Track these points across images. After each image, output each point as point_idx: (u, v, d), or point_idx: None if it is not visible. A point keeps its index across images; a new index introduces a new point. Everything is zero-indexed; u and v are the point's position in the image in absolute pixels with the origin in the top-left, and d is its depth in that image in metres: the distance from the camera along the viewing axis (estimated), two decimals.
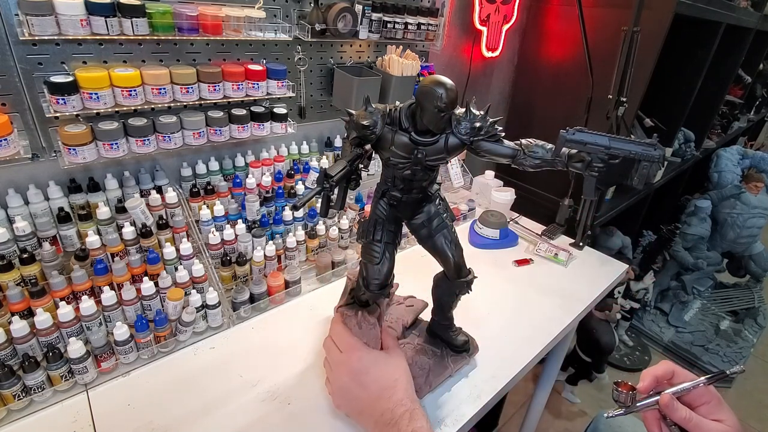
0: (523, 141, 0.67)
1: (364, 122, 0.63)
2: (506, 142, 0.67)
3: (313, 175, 1.25)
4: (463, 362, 0.89)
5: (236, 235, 1.04)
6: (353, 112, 0.65)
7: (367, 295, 0.76)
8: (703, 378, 0.55)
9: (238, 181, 1.16)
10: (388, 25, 1.31)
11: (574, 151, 0.65)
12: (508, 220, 1.45)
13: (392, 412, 0.63)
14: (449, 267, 0.77)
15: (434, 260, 0.79)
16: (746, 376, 2.35)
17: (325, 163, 1.33)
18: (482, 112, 0.65)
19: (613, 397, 0.58)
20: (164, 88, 0.96)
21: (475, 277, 0.80)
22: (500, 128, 0.66)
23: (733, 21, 2.02)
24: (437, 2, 1.50)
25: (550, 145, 0.66)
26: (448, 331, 0.88)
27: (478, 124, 0.64)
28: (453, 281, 0.78)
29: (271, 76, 1.11)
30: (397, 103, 0.66)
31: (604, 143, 0.63)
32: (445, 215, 0.76)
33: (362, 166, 0.69)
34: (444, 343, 0.89)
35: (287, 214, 1.15)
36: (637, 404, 0.57)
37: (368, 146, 0.68)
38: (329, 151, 1.40)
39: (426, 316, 0.95)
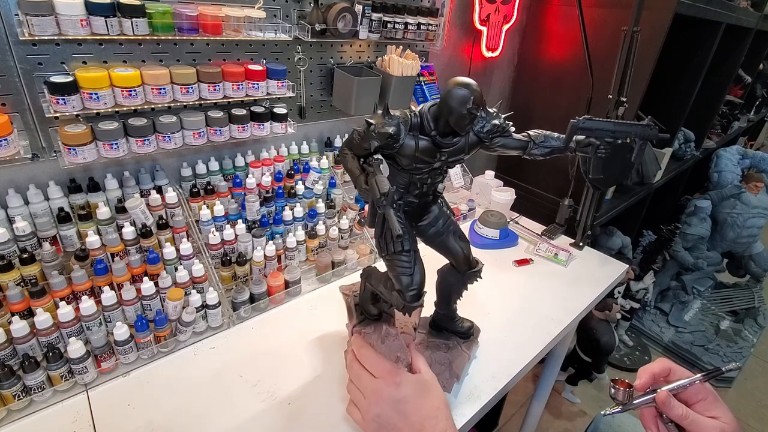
0: (531, 132, 0.71)
1: (390, 131, 0.60)
2: (516, 135, 0.70)
3: (314, 176, 1.25)
4: (474, 345, 0.92)
5: (236, 235, 1.04)
6: (372, 121, 0.62)
7: (407, 308, 0.72)
8: (699, 375, 0.56)
9: (238, 181, 1.16)
10: (388, 25, 1.31)
11: (581, 137, 0.71)
12: (508, 220, 1.45)
13: None
14: (460, 261, 0.79)
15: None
16: (746, 376, 2.35)
17: (325, 162, 1.33)
18: (496, 110, 0.68)
19: (610, 394, 0.59)
20: (164, 88, 0.96)
21: (483, 265, 0.82)
22: (510, 123, 0.69)
23: (733, 21, 2.02)
24: (437, 2, 1.50)
25: (557, 134, 0.71)
26: (452, 321, 0.90)
27: (497, 122, 0.67)
28: (464, 273, 0.80)
29: (271, 76, 1.11)
30: (413, 107, 0.66)
31: (610, 128, 0.72)
32: (448, 212, 0.77)
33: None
34: (451, 333, 0.91)
35: (287, 214, 1.15)
36: (634, 401, 0.57)
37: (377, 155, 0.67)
38: (329, 151, 1.40)
39: (425, 314, 0.95)
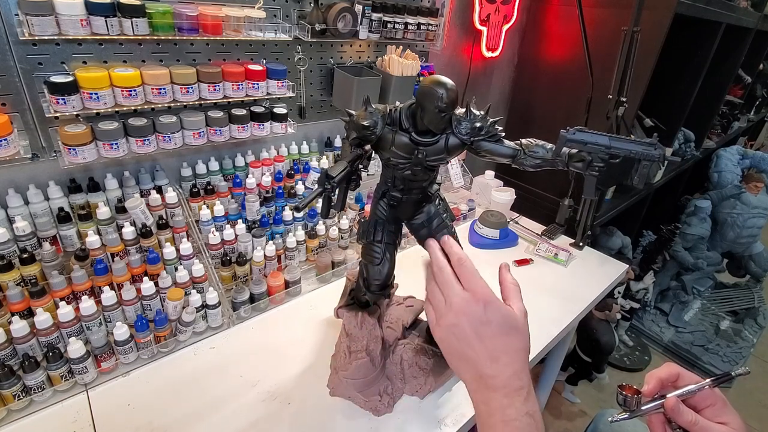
0: (523, 141, 0.67)
1: (365, 123, 0.63)
2: (506, 141, 0.67)
3: (314, 176, 1.25)
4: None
5: (236, 235, 1.04)
6: (353, 112, 0.65)
7: (369, 296, 0.76)
8: (708, 380, 0.55)
9: (238, 181, 1.16)
10: (388, 25, 1.31)
11: (574, 150, 0.65)
12: (508, 220, 1.45)
13: (507, 381, 0.54)
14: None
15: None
16: (746, 376, 2.35)
17: (325, 163, 1.33)
18: (482, 112, 0.65)
19: (617, 401, 0.57)
20: (164, 88, 0.96)
21: None
22: (500, 128, 0.67)
23: (733, 21, 2.02)
24: (437, 2, 1.50)
25: (550, 145, 0.67)
26: None
27: (478, 124, 0.64)
28: None
29: (271, 76, 1.11)
30: (397, 103, 0.66)
31: (605, 143, 0.63)
32: (444, 215, 0.76)
33: (362, 166, 0.69)
34: None
35: (287, 214, 1.15)
36: (642, 408, 0.56)
37: (368, 146, 0.68)
38: (329, 151, 1.40)
39: (425, 316, 0.95)
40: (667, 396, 0.55)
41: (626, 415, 0.57)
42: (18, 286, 0.80)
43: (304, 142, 1.36)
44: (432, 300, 0.61)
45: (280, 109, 1.17)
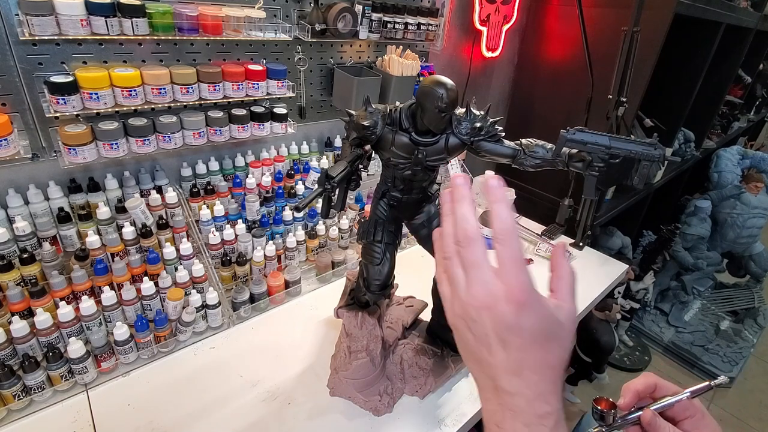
0: (523, 141, 0.67)
1: (365, 123, 0.63)
2: (506, 142, 0.67)
3: (314, 176, 1.25)
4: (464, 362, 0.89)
5: (236, 235, 1.04)
6: (353, 112, 0.65)
7: (369, 296, 0.76)
8: (686, 392, 0.55)
9: (238, 181, 1.16)
10: (388, 25, 1.31)
11: (574, 150, 0.65)
12: None
13: (529, 404, 0.41)
14: None
15: (434, 260, 0.79)
16: (746, 376, 2.35)
17: (325, 163, 1.33)
18: (482, 112, 0.66)
19: (593, 416, 0.57)
20: (164, 88, 0.96)
21: None
22: (500, 128, 0.67)
23: (733, 21, 2.02)
24: (437, 2, 1.50)
25: (550, 145, 0.67)
26: (448, 331, 0.88)
27: (478, 125, 0.64)
28: None
29: (271, 76, 1.11)
30: (397, 103, 0.66)
31: (605, 143, 0.63)
32: None
33: (362, 166, 0.69)
34: (444, 343, 0.89)
35: (287, 214, 1.15)
36: (618, 421, 0.56)
37: (368, 147, 0.69)
38: (329, 151, 1.40)
39: (426, 316, 0.95)
40: (645, 408, 0.54)
41: (603, 431, 0.56)
42: (18, 286, 0.80)
43: (304, 142, 1.36)
44: (452, 276, 0.45)
45: (280, 109, 1.17)
